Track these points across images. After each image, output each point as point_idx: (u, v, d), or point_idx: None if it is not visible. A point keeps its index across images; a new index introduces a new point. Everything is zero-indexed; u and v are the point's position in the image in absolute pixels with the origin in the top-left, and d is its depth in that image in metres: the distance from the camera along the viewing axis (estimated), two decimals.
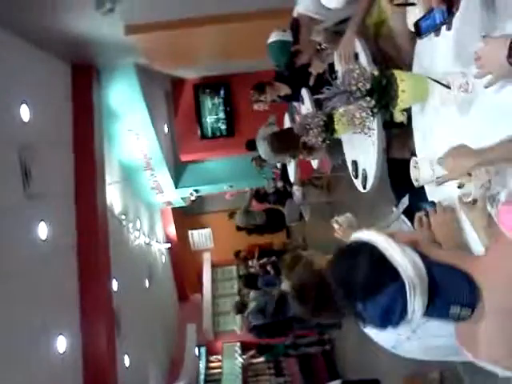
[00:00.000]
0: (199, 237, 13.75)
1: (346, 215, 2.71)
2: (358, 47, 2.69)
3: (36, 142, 4.58)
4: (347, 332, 7.01)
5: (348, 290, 1.22)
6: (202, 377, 9.77)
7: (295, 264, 1.90)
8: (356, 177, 3.19)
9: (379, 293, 1.16)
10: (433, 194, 2.01)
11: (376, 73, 1.93)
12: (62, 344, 4.53)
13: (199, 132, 9.64)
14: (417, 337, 1.61)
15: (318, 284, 1.66)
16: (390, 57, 2.65)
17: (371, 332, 1.75)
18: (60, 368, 4.49)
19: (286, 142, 3.59)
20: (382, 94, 1.89)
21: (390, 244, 1.21)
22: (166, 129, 9.34)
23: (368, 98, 1.89)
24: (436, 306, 1.18)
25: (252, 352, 9.75)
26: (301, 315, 1.80)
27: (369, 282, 1.18)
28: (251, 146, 6.55)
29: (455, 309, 1.16)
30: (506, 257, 1.14)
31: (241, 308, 9.18)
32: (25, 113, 4.45)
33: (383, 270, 1.18)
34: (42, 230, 4.49)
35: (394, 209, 2.50)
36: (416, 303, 1.16)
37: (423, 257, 1.22)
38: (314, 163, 4.64)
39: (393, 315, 1.17)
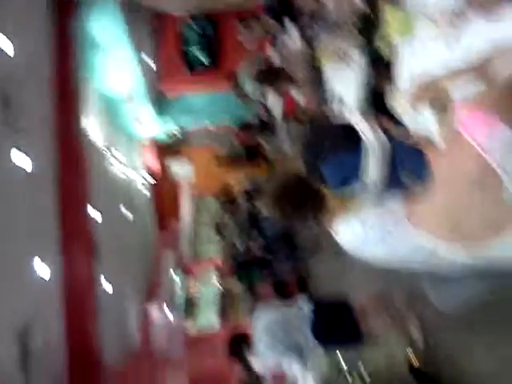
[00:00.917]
0: (180, 170, 13.60)
1: None
2: None
3: (16, 74, 4.33)
4: (323, 257, 7.06)
5: (314, 149, 1.33)
6: (179, 298, 9.94)
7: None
8: (337, 105, 3.05)
9: (340, 153, 1.27)
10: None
11: (363, 6, 1.76)
12: (41, 269, 4.45)
13: (183, 65, 9.27)
14: (385, 242, 1.56)
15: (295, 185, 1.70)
16: None
17: (340, 236, 1.74)
18: (40, 292, 4.44)
19: (271, 78, 3.45)
20: (367, 26, 1.73)
21: (359, 118, 1.31)
22: (149, 61, 8.95)
23: (354, 30, 1.73)
24: (393, 175, 1.27)
25: (229, 278, 9.87)
26: (274, 220, 1.82)
27: (330, 141, 1.30)
28: (237, 82, 6.29)
29: (407, 176, 1.22)
30: (453, 152, 1.21)
31: (220, 229, 9.22)
32: (5, 45, 4.17)
33: (348, 135, 1.29)
34: (21, 159, 4.29)
35: None
36: (374, 164, 1.24)
37: (385, 131, 1.29)
38: (300, 99, 4.46)
39: (352, 173, 1.26)
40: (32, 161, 4.44)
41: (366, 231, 1.62)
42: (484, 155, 1.13)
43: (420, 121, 1.72)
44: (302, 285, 9.17)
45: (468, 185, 1.19)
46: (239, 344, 3.85)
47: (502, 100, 1.17)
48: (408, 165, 1.23)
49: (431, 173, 1.24)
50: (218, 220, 9.94)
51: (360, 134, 1.25)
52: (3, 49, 4.14)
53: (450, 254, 1.31)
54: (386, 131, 1.31)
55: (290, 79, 3.06)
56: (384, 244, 1.58)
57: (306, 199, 1.71)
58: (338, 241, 1.77)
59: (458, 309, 1.85)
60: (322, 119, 1.26)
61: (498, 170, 1.13)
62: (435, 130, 1.57)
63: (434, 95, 1.41)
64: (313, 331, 3.64)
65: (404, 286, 4.01)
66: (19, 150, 4.26)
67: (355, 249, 1.70)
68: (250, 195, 9.74)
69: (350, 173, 1.24)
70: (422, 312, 3.88)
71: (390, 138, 1.29)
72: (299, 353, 3.66)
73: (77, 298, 4.86)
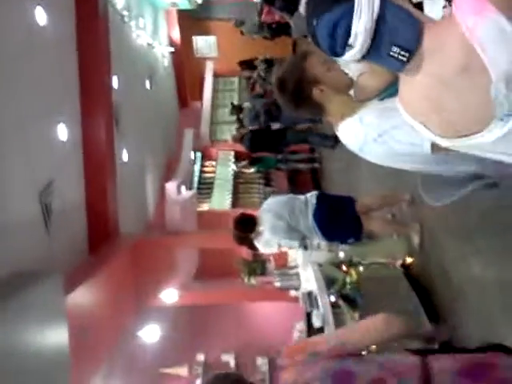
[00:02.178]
0: (203, 43, 13.33)
1: None
2: None
3: None
4: (337, 154, 7.24)
5: (308, 8, 1.31)
6: (195, 179, 10.28)
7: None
8: None
9: (329, 10, 1.24)
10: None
11: None
12: (62, 132, 4.68)
13: None
14: (382, 141, 1.69)
15: (297, 78, 1.80)
16: None
17: (343, 136, 1.85)
18: (62, 154, 4.71)
19: None
20: None
21: None
22: None
23: None
24: (379, 43, 1.24)
25: (244, 162, 10.12)
26: (284, 107, 1.93)
27: (324, 2, 1.26)
28: None
29: (395, 49, 1.22)
30: (443, 33, 1.20)
31: (237, 110, 9.35)
32: None
33: None
34: (40, 16, 4.34)
35: None
36: (359, 26, 1.22)
37: None
38: None
39: (337, 33, 1.24)
40: (51, 19, 4.49)
41: (365, 129, 1.72)
42: (472, 41, 1.10)
43: None
44: (315, 180, 9.46)
45: (454, 68, 1.17)
46: (245, 225, 4.11)
47: None
48: (399, 38, 1.22)
49: (420, 46, 1.22)
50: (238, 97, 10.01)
51: None
52: None
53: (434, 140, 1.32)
54: None
55: None
56: (382, 141, 1.68)
57: (302, 96, 1.80)
58: (342, 140, 1.87)
59: (445, 202, 1.97)
60: None
61: (485, 60, 1.10)
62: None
63: None
64: (315, 218, 3.88)
65: (408, 189, 4.21)
66: (38, 4, 4.29)
67: (357, 148, 1.80)
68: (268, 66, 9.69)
69: (338, 32, 1.24)
70: (422, 217, 4.10)
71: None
72: (301, 235, 3.95)
73: (96, 161, 5.16)
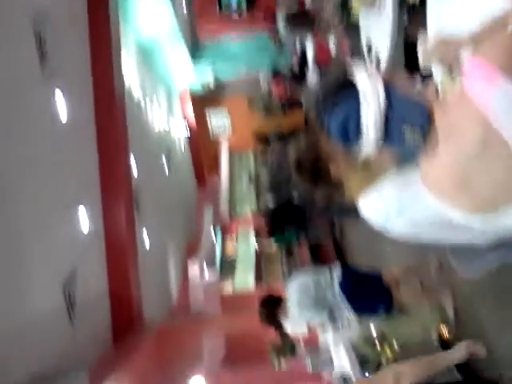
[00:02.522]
0: (217, 121, 13.73)
1: None
2: None
3: (52, 17, 4.45)
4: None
5: (318, 103, 1.36)
6: (217, 257, 10.25)
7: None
8: (369, 58, 3.09)
9: (338, 105, 1.28)
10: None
11: None
12: (84, 220, 4.73)
13: (218, 6, 9.28)
14: (404, 213, 1.61)
15: (313, 157, 1.84)
16: None
17: (364, 212, 1.82)
18: (84, 243, 4.73)
19: (302, 20, 3.48)
20: None
21: (359, 69, 1.32)
22: (183, 4, 8.97)
23: None
24: (391, 126, 1.27)
25: (265, 239, 10.07)
26: (301, 185, 1.95)
27: (332, 95, 1.31)
28: (273, 25, 6.33)
29: (407, 129, 1.25)
30: (456, 107, 1.20)
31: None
32: None
33: (346, 87, 1.30)
34: (61, 108, 4.50)
35: None
36: (369, 117, 1.25)
37: (388, 83, 1.30)
38: (332, 47, 4.48)
39: (349, 127, 1.28)
40: (70, 108, 4.64)
41: (385, 205, 1.66)
42: (485, 112, 1.09)
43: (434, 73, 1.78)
44: (338, 251, 9.35)
45: (473, 145, 1.15)
46: (272, 305, 4.04)
47: (508, 51, 1.09)
48: (410, 119, 1.25)
49: (436, 129, 1.22)
50: (254, 171, 10.13)
51: (354, 80, 1.28)
52: None
53: (463, 219, 1.29)
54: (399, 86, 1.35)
55: (322, 24, 3.10)
56: (403, 217, 1.60)
57: (320, 172, 1.82)
58: (363, 216, 1.83)
59: (480, 274, 1.91)
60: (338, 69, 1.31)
61: (501, 131, 1.09)
62: (443, 85, 1.63)
63: (447, 52, 1.44)
64: (342, 288, 3.79)
65: (435, 257, 4.11)
66: (58, 98, 4.46)
67: (379, 225, 1.75)
68: (282, 140, 9.86)
69: (349, 126, 1.29)
70: (453, 283, 3.98)
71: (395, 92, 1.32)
72: (330, 314, 3.84)
73: (118, 248, 5.17)
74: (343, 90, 1.29)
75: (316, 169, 1.84)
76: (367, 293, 3.89)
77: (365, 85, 1.25)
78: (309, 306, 3.85)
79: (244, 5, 9.27)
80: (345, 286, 3.84)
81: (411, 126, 1.23)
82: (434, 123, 1.23)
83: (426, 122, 1.23)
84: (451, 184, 1.24)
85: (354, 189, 1.79)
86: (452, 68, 1.52)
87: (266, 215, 8.61)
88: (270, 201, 8.77)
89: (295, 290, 3.92)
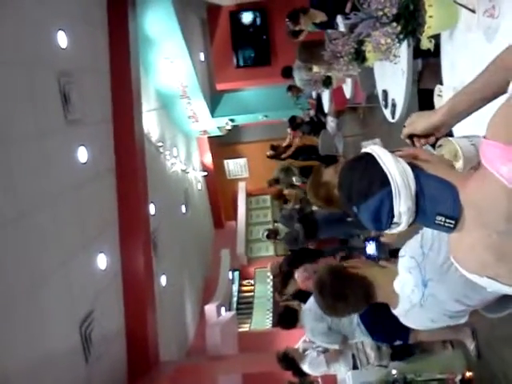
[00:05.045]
0: (235, 166, 13.91)
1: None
2: None
3: (74, 69, 4.65)
4: None
5: (345, 194, 1.36)
6: (234, 299, 10.21)
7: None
8: (386, 106, 3.19)
9: (369, 196, 1.28)
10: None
11: None
12: (102, 261, 4.80)
13: (235, 60, 9.55)
14: (426, 304, 1.69)
15: (332, 282, 1.92)
16: None
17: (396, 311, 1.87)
18: (101, 284, 4.79)
19: (313, 51, 3.53)
20: (409, 19, 1.87)
21: (385, 154, 1.31)
22: (201, 57, 9.28)
23: (394, 24, 1.87)
24: (423, 213, 1.28)
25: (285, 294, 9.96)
26: (322, 311, 2.03)
27: (361, 187, 1.31)
28: (287, 72, 6.48)
29: (440, 218, 1.26)
30: (481, 187, 1.21)
31: (273, 234, 9.41)
32: (62, 40, 4.48)
33: (374, 176, 1.29)
34: (82, 154, 4.65)
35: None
36: (401, 206, 1.26)
37: (416, 167, 1.31)
38: (348, 92, 4.59)
39: (381, 216, 1.29)
40: (91, 153, 4.79)
41: (412, 276, 1.69)
42: (508, 187, 1.10)
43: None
44: None
45: (501, 218, 1.17)
46: (289, 315, 4.06)
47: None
48: (441, 207, 1.26)
49: (462, 207, 1.24)
50: (271, 226, 10.14)
51: (383, 168, 1.29)
52: (62, 44, 4.42)
53: (505, 289, 1.30)
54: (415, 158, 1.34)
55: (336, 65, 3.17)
56: (433, 307, 1.66)
57: (349, 291, 1.89)
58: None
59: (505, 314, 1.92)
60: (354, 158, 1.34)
61: None
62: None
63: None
64: (361, 320, 3.74)
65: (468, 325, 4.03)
66: (80, 144, 4.62)
67: (413, 325, 1.84)
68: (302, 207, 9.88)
69: (382, 215, 1.28)
70: (476, 323, 3.91)
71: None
72: (341, 338, 3.80)
73: (135, 289, 5.21)
74: (371, 180, 1.29)
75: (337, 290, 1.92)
76: (385, 318, 3.82)
77: (394, 174, 1.26)
78: (321, 335, 3.83)
79: (258, 55, 9.53)
80: (363, 314, 3.79)
81: (443, 216, 1.25)
82: (462, 206, 1.24)
83: (457, 211, 1.25)
84: (489, 257, 1.25)
85: (384, 284, 1.86)
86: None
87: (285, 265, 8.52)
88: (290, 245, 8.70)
89: (310, 317, 3.90)
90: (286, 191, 10.85)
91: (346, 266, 1.98)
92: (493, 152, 1.13)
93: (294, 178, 8.87)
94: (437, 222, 1.26)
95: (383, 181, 1.27)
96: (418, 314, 1.74)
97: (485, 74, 1.30)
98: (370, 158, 1.33)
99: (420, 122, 1.45)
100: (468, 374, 4.05)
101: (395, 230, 1.33)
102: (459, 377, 4.10)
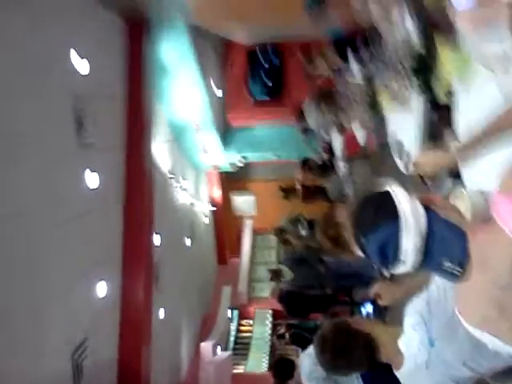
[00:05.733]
0: (243, 203, 13.89)
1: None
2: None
3: (90, 95, 4.71)
4: None
5: (356, 224, 1.37)
6: (232, 338, 10.04)
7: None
8: (400, 158, 3.18)
9: (378, 228, 1.28)
10: (470, 178, 2.01)
11: (421, 49, 1.91)
12: (102, 290, 4.76)
13: (250, 97, 9.67)
14: (432, 365, 1.62)
15: (335, 337, 1.87)
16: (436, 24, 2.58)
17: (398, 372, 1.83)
18: (99, 312, 4.74)
19: (328, 98, 3.57)
20: (425, 68, 1.88)
21: (400, 191, 1.32)
22: (216, 91, 9.39)
23: (410, 72, 1.89)
24: (431, 257, 1.27)
25: (282, 330, 9.79)
26: (322, 366, 1.97)
27: (371, 218, 1.31)
28: (300, 115, 6.52)
29: (448, 263, 1.25)
30: (490, 239, 1.21)
31: (276, 275, 9.25)
32: (81, 65, 4.54)
33: (387, 209, 1.30)
34: (92, 180, 4.66)
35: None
36: (409, 243, 1.25)
37: (430, 210, 1.30)
38: (361, 139, 4.62)
39: (388, 251, 1.28)
40: (101, 179, 4.81)
41: (418, 334, 1.63)
42: None
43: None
44: None
45: (506, 275, 1.17)
46: (284, 366, 3.98)
47: None
48: (450, 251, 1.25)
49: (471, 258, 1.24)
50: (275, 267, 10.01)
51: (396, 204, 1.29)
52: (78, 69, 4.50)
53: (501, 347, 1.27)
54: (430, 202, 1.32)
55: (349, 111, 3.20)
56: (437, 366, 1.57)
57: (352, 348, 1.83)
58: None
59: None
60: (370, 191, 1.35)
61: None
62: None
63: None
64: (362, 377, 3.67)
65: None
66: (91, 169, 4.65)
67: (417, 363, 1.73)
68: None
69: (388, 250, 1.27)
70: None
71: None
72: None
73: (133, 320, 5.15)
74: (382, 211, 1.29)
75: (338, 346, 1.87)
76: (386, 376, 3.75)
77: (406, 210, 1.25)
78: (318, 380, 3.75)
79: (273, 93, 9.65)
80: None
81: (451, 261, 1.24)
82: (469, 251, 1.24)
83: (465, 258, 1.23)
84: (491, 311, 1.24)
85: (389, 345, 1.81)
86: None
87: (283, 299, 8.35)
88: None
89: (308, 360, 3.84)
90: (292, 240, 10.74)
91: (350, 322, 1.93)
92: (506, 209, 1.13)
93: (301, 231, 8.77)
94: (444, 267, 1.25)
95: (394, 214, 1.27)
96: (423, 378, 1.67)
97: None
98: (385, 193, 1.34)
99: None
100: None
101: (400, 270, 1.31)
102: None
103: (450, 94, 2.07)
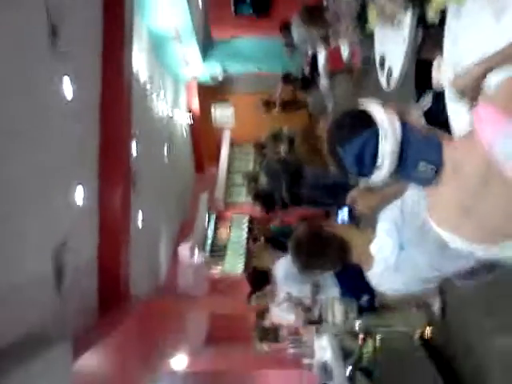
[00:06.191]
0: (222, 114, 13.64)
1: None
2: None
3: (65, 2, 4.37)
4: None
5: (333, 134, 1.36)
6: (208, 241, 10.23)
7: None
8: (381, 73, 3.03)
9: (355, 136, 1.29)
10: (451, 98, 1.91)
11: None
12: (80, 193, 4.67)
13: (233, 8, 9.16)
14: (401, 267, 1.66)
15: (310, 240, 1.90)
16: None
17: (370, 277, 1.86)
18: (77, 216, 4.67)
19: (316, 15, 3.40)
20: None
21: (377, 105, 1.33)
22: (199, 1, 8.86)
23: None
24: (406, 161, 1.29)
25: (257, 233, 9.90)
26: (297, 267, 1.98)
27: (348, 127, 1.32)
28: (286, 29, 6.19)
29: (423, 166, 1.27)
30: (465, 147, 1.24)
31: (252, 178, 9.13)
32: None
33: (362, 119, 1.31)
34: (67, 86, 4.43)
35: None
36: (386, 148, 1.26)
37: (403, 119, 1.32)
38: (345, 54, 4.42)
39: (365, 158, 1.29)
40: (77, 85, 4.57)
41: (386, 263, 1.69)
42: (490, 152, 1.12)
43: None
44: None
45: (476, 180, 1.20)
46: (259, 277, 4.07)
47: None
48: (425, 155, 1.28)
49: (444, 163, 1.26)
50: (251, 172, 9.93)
51: (373, 114, 1.30)
52: None
53: (465, 248, 1.33)
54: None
55: (336, 30, 3.02)
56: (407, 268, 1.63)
57: (325, 250, 1.86)
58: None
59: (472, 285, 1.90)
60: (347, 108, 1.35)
61: (503, 171, 1.12)
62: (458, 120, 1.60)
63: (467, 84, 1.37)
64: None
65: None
66: (67, 76, 4.40)
67: (384, 288, 1.82)
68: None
69: (365, 158, 1.29)
70: (443, 285, 3.93)
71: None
72: (314, 289, 3.83)
73: (111, 224, 5.12)
74: (359, 122, 1.30)
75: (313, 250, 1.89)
76: (357, 277, 3.85)
77: (383, 119, 1.27)
78: (294, 278, 3.85)
79: (259, 9, 9.12)
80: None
81: (426, 162, 1.26)
82: (444, 160, 1.27)
83: (440, 160, 1.27)
84: (457, 212, 1.28)
85: (358, 248, 1.85)
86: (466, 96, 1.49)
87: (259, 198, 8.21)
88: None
89: (284, 262, 3.93)
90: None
91: (323, 226, 1.95)
92: (486, 112, 1.15)
93: (281, 148, 8.61)
94: (419, 168, 1.27)
95: (370, 123, 1.28)
96: (391, 277, 1.74)
97: None
98: (363, 110, 1.34)
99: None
100: (427, 330, 4.13)
101: (377, 178, 1.32)
102: (418, 332, 4.18)
103: (441, 13, 1.91)
